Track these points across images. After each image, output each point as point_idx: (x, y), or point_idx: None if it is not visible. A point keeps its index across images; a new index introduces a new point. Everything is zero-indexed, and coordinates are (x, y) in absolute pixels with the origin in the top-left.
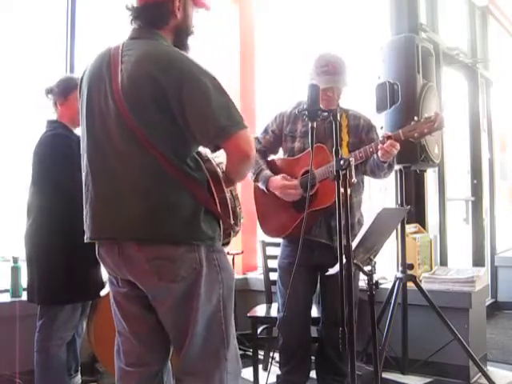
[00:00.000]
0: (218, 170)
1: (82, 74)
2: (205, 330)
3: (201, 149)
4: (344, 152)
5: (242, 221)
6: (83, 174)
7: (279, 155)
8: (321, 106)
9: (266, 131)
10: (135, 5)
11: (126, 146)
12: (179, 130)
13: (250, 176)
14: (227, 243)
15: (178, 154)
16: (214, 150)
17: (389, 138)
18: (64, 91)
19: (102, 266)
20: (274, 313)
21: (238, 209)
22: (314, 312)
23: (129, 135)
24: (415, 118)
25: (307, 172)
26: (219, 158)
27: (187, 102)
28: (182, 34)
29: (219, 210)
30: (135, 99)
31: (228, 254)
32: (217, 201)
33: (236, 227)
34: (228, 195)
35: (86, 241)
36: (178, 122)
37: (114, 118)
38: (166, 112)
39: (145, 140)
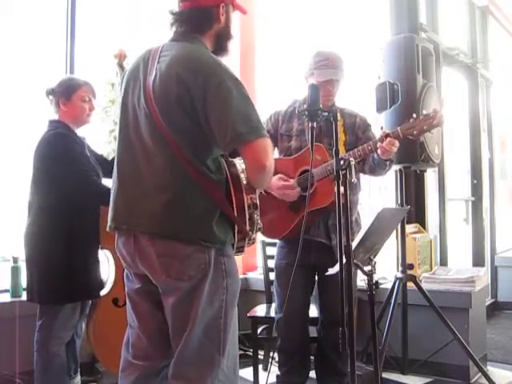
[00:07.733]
0: (242, 175)
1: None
2: (202, 334)
3: None
4: (341, 151)
5: (259, 228)
6: (114, 166)
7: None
8: (321, 101)
9: None
10: (179, 9)
11: (152, 143)
12: (201, 131)
13: None
14: (241, 250)
15: (198, 155)
16: (231, 155)
17: (387, 136)
18: (66, 92)
19: (101, 264)
20: (273, 313)
21: (255, 216)
22: (313, 312)
23: (155, 132)
24: (414, 115)
25: (304, 172)
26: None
27: (210, 105)
28: (222, 39)
29: (235, 214)
30: (163, 98)
31: None
32: (234, 205)
33: (252, 234)
34: (247, 201)
35: (107, 230)
36: (201, 124)
37: (144, 115)
38: (191, 113)
39: (169, 139)
